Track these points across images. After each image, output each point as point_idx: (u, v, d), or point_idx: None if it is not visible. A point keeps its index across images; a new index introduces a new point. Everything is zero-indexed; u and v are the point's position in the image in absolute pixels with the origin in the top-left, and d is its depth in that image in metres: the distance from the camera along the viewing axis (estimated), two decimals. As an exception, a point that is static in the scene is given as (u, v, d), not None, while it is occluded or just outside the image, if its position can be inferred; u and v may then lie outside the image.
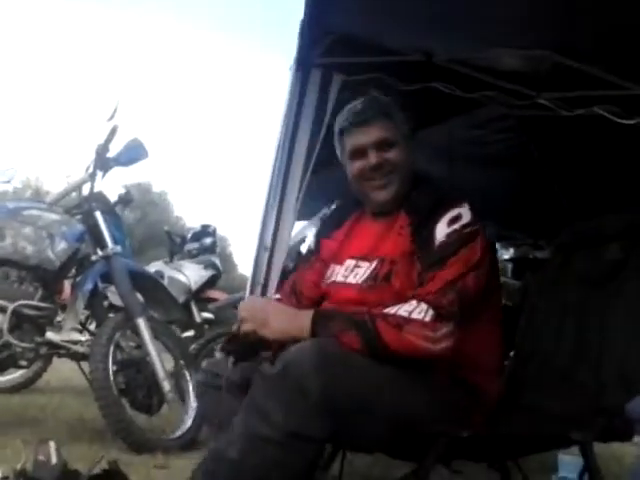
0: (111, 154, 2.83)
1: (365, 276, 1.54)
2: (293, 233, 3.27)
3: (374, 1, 2.00)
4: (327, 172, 3.31)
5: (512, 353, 1.89)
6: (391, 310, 1.37)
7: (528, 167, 3.31)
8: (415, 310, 1.36)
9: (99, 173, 2.84)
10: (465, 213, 1.47)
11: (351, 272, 1.58)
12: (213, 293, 4.73)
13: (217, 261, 4.79)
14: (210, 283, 4.67)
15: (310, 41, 2.15)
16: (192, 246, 4.85)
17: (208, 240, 4.85)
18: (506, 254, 4.54)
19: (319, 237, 1.83)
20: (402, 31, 2.16)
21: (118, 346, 2.75)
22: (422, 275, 1.42)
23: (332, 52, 2.21)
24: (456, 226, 1.45)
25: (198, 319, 4.50)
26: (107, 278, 2.86)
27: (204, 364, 3.68)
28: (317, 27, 2.11)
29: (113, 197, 2.97)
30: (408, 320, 1.35)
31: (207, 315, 4.56)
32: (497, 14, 1.93)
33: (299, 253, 3.73)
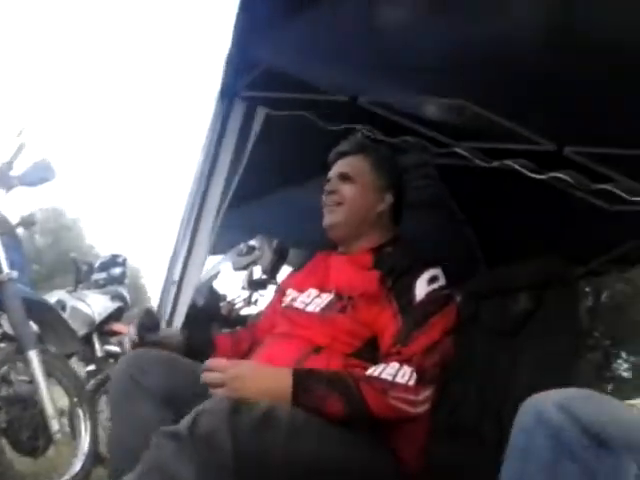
0: (16, 172, 2.65)
1: (322, 306, 1.53)
2: (206, 268, 3.18)
3: (302, 38, 1.99)
4: (249, 205, 3.28)
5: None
6: (374, 372, 1.33)
7: (444, 214, 3.37)
8: (399, 373, 1.33)
9: (0, 191, 2.65)
10: (441, 276, 1.49)
11: (312, 301, 1.57)
12: (118, 326, 4.51)
13: (125, 293, 4.58)
14: (116, 315, 4.44)
15: (235, 72, 2.11)
16: (99, 276, 4.63)
17: (117, 270, 4.65)
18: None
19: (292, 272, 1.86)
20: (328, 71, 2.16)
21: (5, 380, 2.53)
22: (403, 332, 1.41)
23: (258, 85, 2.19)
24: (435, 286, 1.47)
25: (100, 353, 4.26)
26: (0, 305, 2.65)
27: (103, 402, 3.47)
28: (243, 58, 2.08)
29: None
30: (392, 384, 1.32)
31: (113, 348, 4.34)
32: (420, 63, 1.98)
33: (211, 288, 3.62)
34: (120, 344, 4.32)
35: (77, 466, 2.56)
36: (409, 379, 1.33)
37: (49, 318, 2.89)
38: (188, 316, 2.28)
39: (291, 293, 1.67)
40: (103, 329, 4.35)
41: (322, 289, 1.59)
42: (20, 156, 2.62)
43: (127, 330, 1.64)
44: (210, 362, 1.32)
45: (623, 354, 13.65)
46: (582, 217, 2.67)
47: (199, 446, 1.11)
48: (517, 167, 2.07)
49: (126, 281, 4.79)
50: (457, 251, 3.59)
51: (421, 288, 1.46)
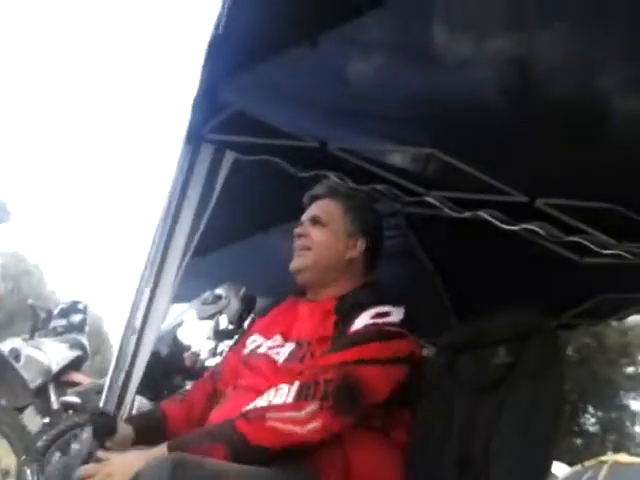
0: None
1: (285, 356, 1.48)
2: (170, 316, 3.07)
3: (271, 83, 1.96)
4: (215, 253, 3.20)
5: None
6: (251, 405, 1.28)
7: (413, 265, 3.34)
8: (277, 395, 1.27)
9: (-48, 234, 2.55)
10: (396, 314, 1.43)
11: (276, 348, 1.52)
12: (76, 376, 4.34)
13: (84, 341, 4.43)
14: (74, 365, 4.28)
15: (202, 115, 2.06)
16: (58, 323, 4.47)
17: (77, 317, 4.50)
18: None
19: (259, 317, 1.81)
20: (298, 117, 2.14)
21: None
22: (321, 354, 1.37)
23: (226, 129, 2.14)
24: (378, 320, 1.40)
25: (56, 405, 4.07)
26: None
27: (56, 459, 3.27)
28: (211, 102, 2.03)
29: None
30: (268, 408, 1.25)
31: (70, 399, 4.15)
32: (387, 112, 1.97)
33: (175, 338, 3.50)
34: (80, 395, 4.14)
35: (22, 531, 2.38)
36: (287, 397, 1.26)
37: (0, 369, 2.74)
38: (149, 366, 2.17)
39: (257, 339, 1.60)
40: (60, 379, 4.17)
41: (286, 337, 1.53)
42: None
43: (81, 435, 1.53)
44: (82, 469, 1.27)
45: (590, 408, 13.66)
46: (553, 269, 2.66)
47: None
48: (488, 217, 2.05)
49: (86, 329, 4.64)
50: (426, 302, 3.56)
51: (362, 320, 1.40)
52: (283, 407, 1.25)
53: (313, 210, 1.67)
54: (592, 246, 2.04)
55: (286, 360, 1.46)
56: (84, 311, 4.60)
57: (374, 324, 1.40)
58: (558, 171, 2.01)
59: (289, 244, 2.38)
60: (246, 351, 1.59)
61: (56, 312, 4.54)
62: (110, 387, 2.11)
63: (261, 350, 1.53)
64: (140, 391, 2.22)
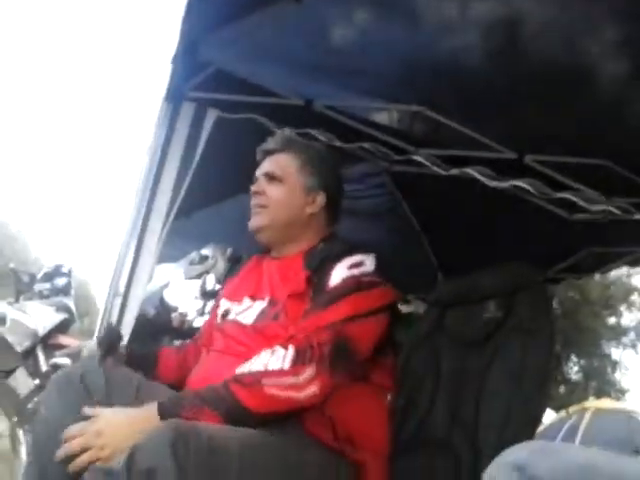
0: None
1: (254, 317, 1.44)
2: (156, 277, 3.05)
3: (254, 39, 1.90)
4: (201, 214, 3.16)
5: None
6: (246, 367, 1.24)
7: (398, 223, 3.33)
8: (272, 359, 1.24)
9: None
10: (369, 262, 1.40)
11: (245, 311, 1.47)
12: (64, 339, 4.32)
13: (71, 304, 4.39)
14: (61, 327, 4.24)
15: (184, 73, 2.00)
16: (43, 286, 4.41)
17: (61, 280, 4.44)
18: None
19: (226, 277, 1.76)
20: (282, 74, 2.08)
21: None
22: (305, 314, 1.32)
23: (208, 86, 2.08)
24: (355, 271, 1.36)
25: (45, 367, 4.06)
26: None
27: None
28: (192, 58, 1.97)
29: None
30: (265, 373, 1.22)
31: (59, 361, 4.13)
32: (374, 68, 1.93)
33: (162, 299, 3.48)
34: (70, 356, 4.14)
35: (14, 492, 2.40)
36: (283, 362, 1.23)
37: (-17, 333, 2.72)
38: (136, 328, 2.16)
39: (224, 304, 1.56)
40: (48, 342, 4.16)
41: (255, 297, 1.49)
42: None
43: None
44: (66, 431, 1.20)
45: (573, 357, 13.97)
46: (541, 226, 2.66)
47: None
48: (477, 175, 2.03)
49: (72, 292, 4.59)
50: (412, 259, 3.57)
51: (338, 273, 1.36)
52: (280, 373, 1.22)
53: (267, 165, 1.57)
54: (581, 202, 2.03)
55: (257, 320, 1.43)
56: (69, 274, 4.54)
57: (352, 276, 1.35)
58: (547, 128, 1.98)
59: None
60: (218, 318, 1.56)
61: (40, 276, 4.48)
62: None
63: (230, 317, 1.50)
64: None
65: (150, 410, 1.19)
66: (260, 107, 2.15)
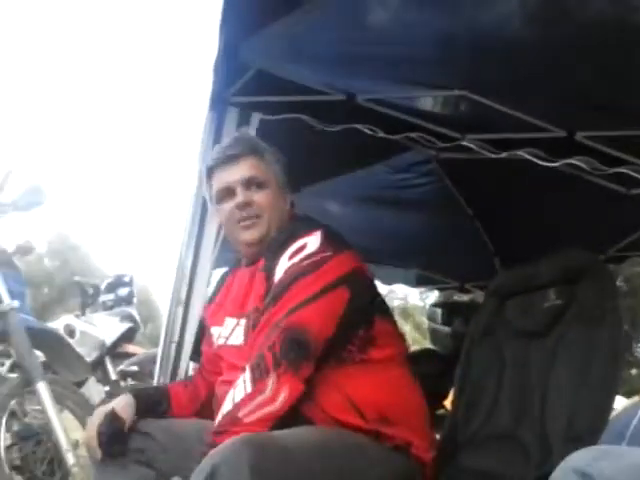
0: (7, 199, 2.59)
1: (243, 334, 1.42)
2: (213, 283, 3.10)
3: (290, 39, 1.91)
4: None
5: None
6: (220, 415, 1.25)
7: (451, 210, 3.28)
8: (236, 390, 1.24)
9: (-7, 219, 2.59)
10: (312, 242, 1.34)
11: (232, 332, 1.45)
12: (130, 347, 4.46)
13: (134, 313, 4.53)
14: (127, 336, 4.39)
15: (225, 78, 2.02)
16: (106, 297, 4.58)
17: (124, 290, 4.60)
18: (431, 299, 4.50)
19: (205, 304, 1.71)
20: (322, 70, 2.08)
21: (14, 414, 2.45)
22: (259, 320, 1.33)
23: (250, 90, 2.10)
24: (295, 259, 1.33)
25: (114, 376, 4.20)
26: (3, 337, 2.58)
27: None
28: (232, 63, 1.99)
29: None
30: (236, 407, 1.22)
31: (129, 368, 4.28)
32: (414, 55, 1.89)
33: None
34: (136, 364, 4.26)
35: (95, 498, 2.48)
36: (245, 386, 1.22)
37: (56, 346, 2.84)
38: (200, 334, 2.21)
39: (214, 331, 1.53)
40: (115, 351, 4.30)
41: (237, 315, 1.45)
42: (9, 182, 2.57)
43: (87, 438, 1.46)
44: None
45: (643, 338, 13.49)
46: (597, 204, 2.58)
47: None
48: (528, 156, 1.98)
49: (134, 300, 4.74)
50: (467, 247, 3.52)
51: (281, 266, 1.32)
52: (247, 398, 1.21)
53: (242, 172, 1.46)
54: (638, 176, 1.96)
55: (246, 338, 1.40)
56: (130, 283, 4.69)
57: (292, 265, 1.30)
58: (595, 101, 1.92)
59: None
60: (214, 347, 1.53)
61: (103, 287, 4.64)
62: (162, 358, 2.15)
63: (221, 342, 1.48)
64: (193, 358, 2.26)
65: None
66: (302, 106, 2.16)
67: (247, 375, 1.24)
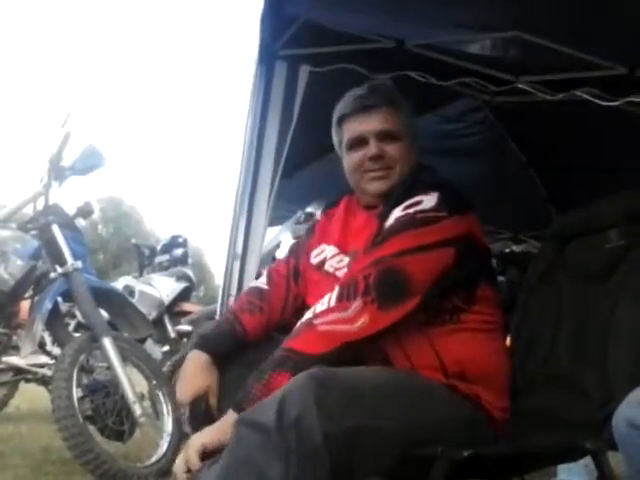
0: (66, 163, 2.65)
1: (341, 266, 1.45)
2: (267, 239, 3.14)
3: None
4: (301, 173, 3.20)
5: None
6: (299, 322, 1.27)
7: (504, 158, 3.22)
8: (318, 305, 1.26)
9: (54, 184, 2.66)
10: (428, 200, 1.34)
11: (332, 259, 1.48)
12: (187, 306, 4.58)
13: (190, 272, 4.64)
14: (183, 296, 4.51)
15: (272, 31, 2.01)
16: (162, 258, 4.70)
17: (179, 251, 4.70)
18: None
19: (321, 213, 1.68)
20: (370, 17, 2.04)
21: (83, 369, 2.56)
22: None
23: (297, 42, 2.08)
24: (410, 210, 1.33)
25: (172, 334, 4.34)
26: (69, 296, 2.68)
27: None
28: (279, 16, 1.97)
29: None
30: (314, 317, 1.24)
31: (184, 328, 4.40)
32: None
33: (274, 259, 3.59)
34: (193, 323, 4.39)
35: (163, 447, 2.58)
36: (328, 302, 1.24)
37: (118, 304, 2.92)
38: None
39: (321, 250, 1.52)
40: (173, 310, 4.42)
41: (344, 250, 1.46)
42: (67, 146, 2.62)
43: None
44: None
45: None
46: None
47: (288, 438, 1.06)
48: (586, 96, 1.91)
49: (189, 261, 4.84)
50: (520, 195, 3.45)
51: (394, 215, 1.33)
52: (328, 311, 1.22)
53: (378, 123, 1.44)
54: None
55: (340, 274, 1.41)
56: (185, 244, 4.79)
57: (405, 214, 1.31)
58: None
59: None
60: (314, 263, 1.52)
61: (159, 248, 4.76)
62: (221, 313, 2.20)
63: (327, 267, 1.48)
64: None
65: (227, 420, 1.21)
66: (351, 55, 2.13)
67: (335, 293, 1.25)
